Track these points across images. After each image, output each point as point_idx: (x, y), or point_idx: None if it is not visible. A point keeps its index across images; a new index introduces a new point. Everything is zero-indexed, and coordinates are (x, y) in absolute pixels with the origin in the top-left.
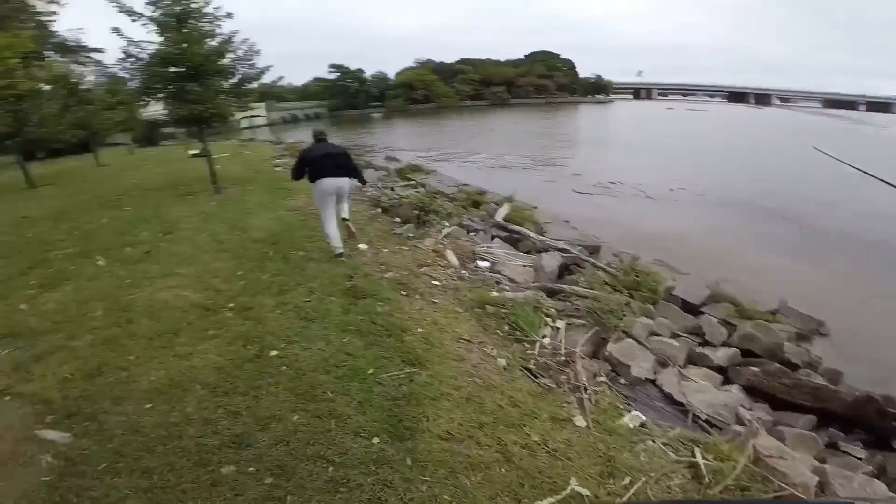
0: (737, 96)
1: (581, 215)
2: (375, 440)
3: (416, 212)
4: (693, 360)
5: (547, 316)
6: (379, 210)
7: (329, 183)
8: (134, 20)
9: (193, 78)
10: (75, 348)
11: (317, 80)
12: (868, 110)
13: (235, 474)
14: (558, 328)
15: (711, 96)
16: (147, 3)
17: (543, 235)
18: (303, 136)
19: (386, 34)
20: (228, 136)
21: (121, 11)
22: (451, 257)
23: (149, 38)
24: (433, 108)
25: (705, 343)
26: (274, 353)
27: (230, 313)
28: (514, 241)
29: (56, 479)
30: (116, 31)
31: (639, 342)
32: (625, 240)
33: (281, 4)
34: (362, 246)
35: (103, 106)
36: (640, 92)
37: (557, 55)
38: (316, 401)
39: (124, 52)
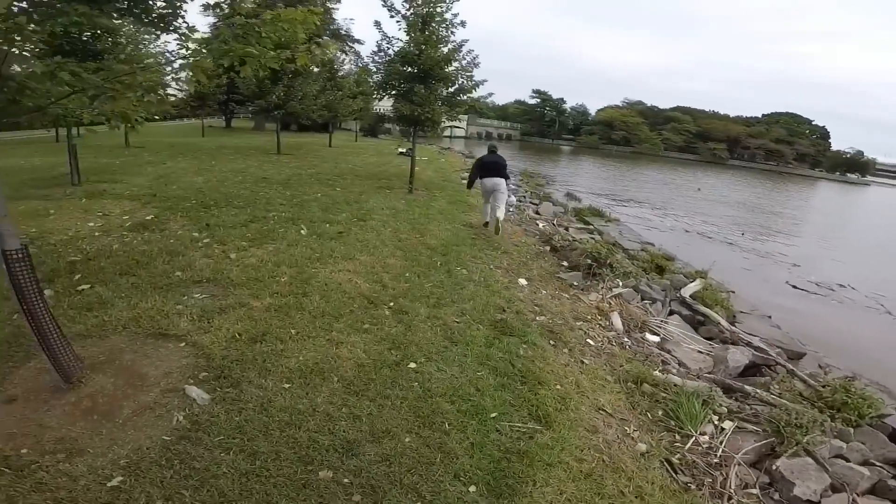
0: None
1: (789, 314)
2: (472, 488)
3: (589, 260)
4: (879, 491)
5: (715, 413)
6: (548, 248)
7: (489, 181)
8: (392, 16)
9: (422, 80)
10: (253, 308)
11: (517, 102)
12: None
13: (329, 482)
14: (723, 428)
15: None
16: (403, 1)
17: (735, 325)
18: None
19: (597, 68)
20: (431, 141)
21: (384, 6)
22: (616, 320)
23: (398, 35)
24: (629, 153)
25: None
26: (412, 365)
27: (388, 311)
28: (697, 322)
29: (174, 440)
30: (377, 24)
31: (818, 462)
32: (841, 353)
33: (494, 19)
34: (522, 281)
35: (349, 93)
36: None
37: (808, 120)
38: (432, 428)
39: (377, 46)
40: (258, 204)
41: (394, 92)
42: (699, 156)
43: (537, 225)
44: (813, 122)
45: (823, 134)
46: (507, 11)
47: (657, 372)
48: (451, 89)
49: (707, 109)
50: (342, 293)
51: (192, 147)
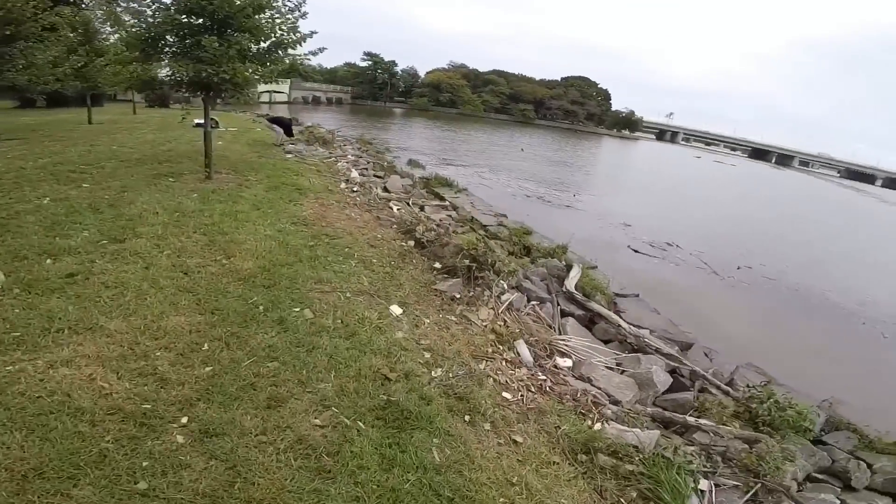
0: (759, 153)
1: (650, 289)
2: None
3: (467, 262)
4: None
5: (687, 472)
6: (412, 243)
7: None
8: None
9: (213, 32)
10: None
11: (347, 65)
12: (883, 186)
13: None
14: (703, 491)
15: (733, 149)
16: None
17: (622, 317)
18: (321, 121)
19: (426, 31)
20: (244, 108)
21: None
22: (523, 349)
23: None
24: (455, 114)
25: (848, 488)
26: None
27: (181, 438)
28: (589, 321)
29: None
30: None
31: None
32: (715, 335)
33: None
34: (395, 310)
35: (117, 60)
36: (664, 134)
37: (595, 83)
38: None
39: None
40: None
41: (169, 50)
42: (512, 116)
43: (391, 208)
44: (599, 85)
45: (607, 96)
46: None
47: (598, 424)
48: (264, 44)
49: (517, 73)
50: (74, 415)
51: None
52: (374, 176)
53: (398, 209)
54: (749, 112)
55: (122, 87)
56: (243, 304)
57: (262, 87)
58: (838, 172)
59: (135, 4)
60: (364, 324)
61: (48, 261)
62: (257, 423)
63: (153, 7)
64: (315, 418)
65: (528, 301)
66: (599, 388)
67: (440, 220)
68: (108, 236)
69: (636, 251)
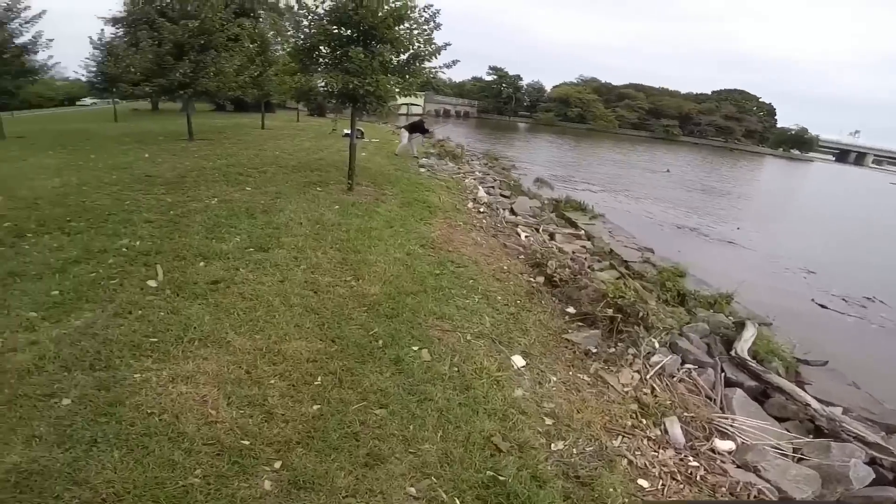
0: None
1: (845, 357)
2: None
3: (610, 311)
4: None
5: None
6: (541, 279)
7: None
8: None
9: (359, 44)
10: None
11: (474, 79)
12: None
13: None
14: None
15: None
16: None
17: (805, 389)
18: (451, 133)
19: (551, 45)
20: (386, 119)
21: None
22: (674, 427)
23: None
24: (585, 130)
25: None
26: None
27: (269, 484)
28: (761, 393)
29: None
30: None
31: None
32: None
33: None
34: (518, 361)
35: (284, 70)
36: (847, 155)
37: (755, 97)
38: None
39: (301, 5)
40: (109, 224)
41: (322, 61)
42: (652, 132)
43: (518, 235)
44: (760, 100)
45: (770, 111)
46: None
47: None
48: (403, 56)
49: (659, 87)
50: (173, 442)
51: (86, 135)
52: (501, 195)
53: (526, 236)
54: None
55: (287, 96)
56: (364, 335)
57: (400, 100)
58: None
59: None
60: (481, 375)
61: (201, 263)
62: (350, 481)
63: (308, 18)
64: (411, 486)
65: (683, 364)
66: (768, 482)
67: (573, 253)
68: (256, 244)
69: (823, 306)
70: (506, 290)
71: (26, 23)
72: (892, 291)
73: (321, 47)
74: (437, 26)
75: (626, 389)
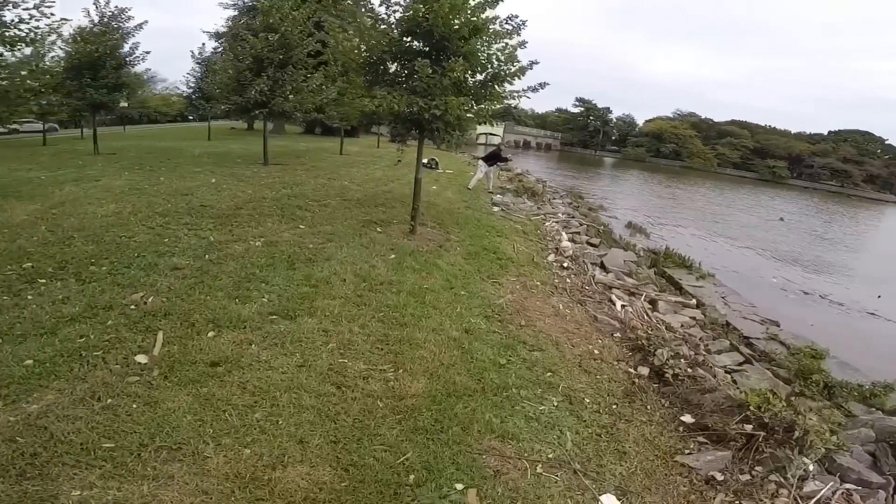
0: None
1: None
2: None
3: (749, 427)
4: None
5: None
6: (644, 371)
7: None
8: None
9: (431, 57)
10: None
11: (559, 110)
12: None
13: None
14: None
15: None
16: None
17: None
18: (530, 166)
19: (644, 78)
20: (463, 149)
21: None
22: None
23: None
24: (679, 168)
25: None
26: None
27: None
28: None
29: None
30: None
31: None
32: None
33: (532, 27)
34: (609, 502)
35: (344, 90)
36: None
37: (880, 138)
38: None
39: (369, 15)
40: (132, 269)
41: (388, 78)
42: (756, 173)
43: (612, 302)
44: (886, 142)
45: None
46: (547, 20)
47: None
48: (479, 76)
49: (765, 125)
50: None
51: (169, 154)
52: (588, 244)
53: (623, 305)
54: None
55: (352, 119)
56: (391, 462)
57: (479, 129)
58: None
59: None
60: None
61: (210, 333)
62: None
63: (377, 26)
64: None
65: (842, 483)
66: None
67: (683, 328)
68: (283, 308)
69: None
70: (597, 388)
71: (127, 33)
72: None
73: (388, 62)
74: (523, 43)
75: None
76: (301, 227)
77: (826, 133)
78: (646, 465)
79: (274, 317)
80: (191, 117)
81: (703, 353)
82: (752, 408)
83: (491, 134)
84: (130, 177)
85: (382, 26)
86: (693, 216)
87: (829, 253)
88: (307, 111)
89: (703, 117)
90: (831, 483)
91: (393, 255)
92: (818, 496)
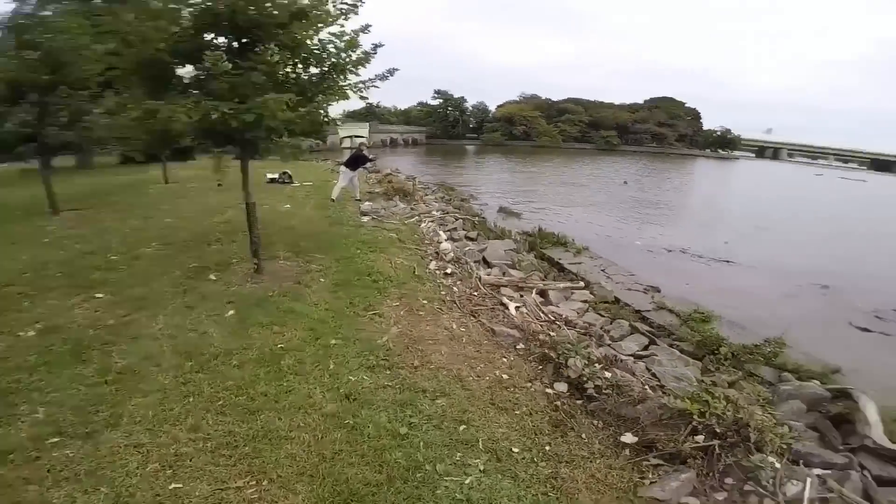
0: (882, 165)
1: None
2: None
3: (704, 440)
4: None
5: None
6: (562, 388)
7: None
8: None
9: (235, 52)
10: None
11: (420, 104)
12: None
13: None
14: None
15: (844, 160)
16: None
17: None
18: (399, 164)
19: (491, 67)
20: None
21: None
22: None
23: None
24: (532, 147)
25: None
26: None
27: None
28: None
29: None
30: None
31: None
32: None
33: (386, 22)
34: None
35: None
36: (764, 151)
37: (682, 103)
38: None
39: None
40: None
41: (180, 81)
42: (594, 144)
43: (506, 308)
44: (686, 105)
45: (696, 115)
46: (400, 14)
47: None
48: (313, 69)
49: (595, 100)
50: None
51: None
52: (467, 238)
53: (516, 307)
54: (851, 120)
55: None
56: None
57: (342, 132)
58: None
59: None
60: None
61: None
62: None
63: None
64: None
65: (811, 469)
66: None
67: (581, 317)
68: (70, 423)
69: (867, 330)
70: (521, 429)
71: None
72: None
73: (176, 64)
74: (366, 28)
75: None
76: (99, 296)
77: (642, 101)
78: None
79: (56, 438)
80: None
81: (608, 342)
82: (695, 416)
83: (355, 136)
84: None
85: (158, 21)
86: (551, 191)
87: (674, 208)
88: (97, 140)
89: (543, 98)
90: (809, 479)
91: (232, 311)
92: (806, 495)
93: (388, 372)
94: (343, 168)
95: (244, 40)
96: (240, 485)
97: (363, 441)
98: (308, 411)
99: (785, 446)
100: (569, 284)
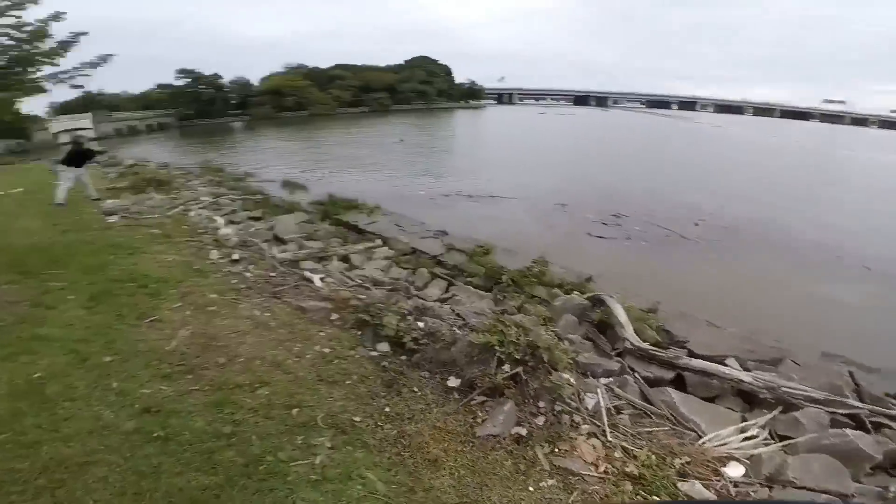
0: (581, 100)
1: (673, 294)
2: None
3: (510, 369)
4: None
5: None
6: (384, 347)
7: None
8: None
9: None
10: None
11: (160, 86)
12: (679, 108)
13: None
14: None
15: (556, 99)
16: None
17: (721, 364)
18: (145, 153)
19: (247, 41)
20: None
21: None
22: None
23: None
24: (306, 117)
25: None
26: None
27: None
28: (679, 381)
29: None
30: None
31: None
32: (754, 326)
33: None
34: None
35: None
36: (502, 97)
37: (435, 61)
38: None
39: None
40: None
41: None
42: (369, 107)
43: (310, 282)
44: (439, 62)
45: (448, 71)
46: None
47: None
48: None
49: (362, 64)
50: None
51: None
52: (251, 219)
53: (321, 278)
54: (560, 66)
55: None
56: None
57: (56, 127)
58: (644, 104)
59: None
60: None
61: None
62: None
63: None
64: None
65: (584, 375)
66: (823, 491)
67: (384, 275)
68: None
69: (600, 237)
70: (357, 397)
71: None
72: (629, 207)
73: None
74: (57, 16)
75: (601, 471)
76: None
77: (403, 62)
78: (462, 461)
79: None
80: None
81: (415, 293)
82: (497, 348)
83: (76, 129)
84: None
85: None
86: (332, 157)
87: (443, 157)
88: None
89: (311, 67)
90: (599, 390)
91: None
92: (602, 406)
93: (190, 376)
94: (61, 167)
95: None
96: None
97: (183, 449)
98: (102, 433)
99: (572, 361)
100: (368, 245)
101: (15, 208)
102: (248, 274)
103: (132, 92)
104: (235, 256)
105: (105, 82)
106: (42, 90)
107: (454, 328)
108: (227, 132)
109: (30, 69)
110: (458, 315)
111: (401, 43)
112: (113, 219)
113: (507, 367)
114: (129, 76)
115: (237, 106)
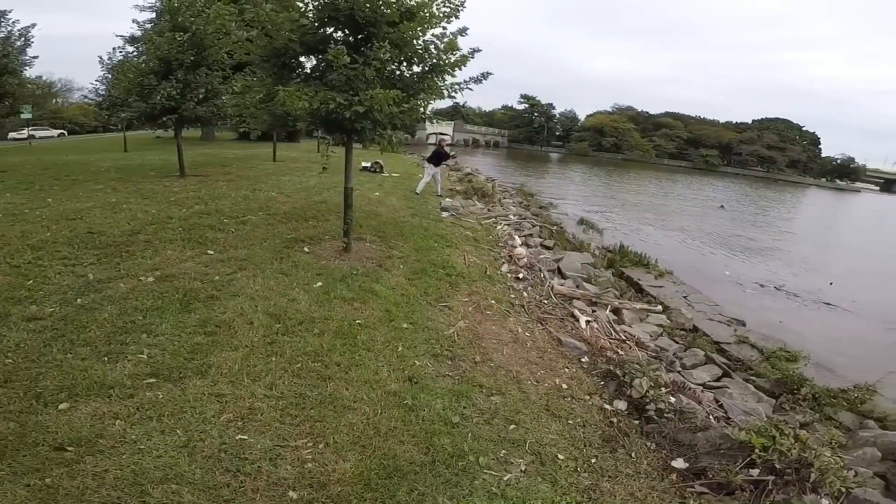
0: None
1: None
2: None
3: (759, 474)
4: None
5: None
6: (621, 406)
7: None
8: None
9: (352, 47)
10: None
11: (504, 107)
12: None
13: None
14: None
15: None
16: None
17: None
18: (480, 165)
19: (585, 75)
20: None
21: None
22: None
23: None
24: (620, 160)
25: None
26: None
27: None
28: None
29: None
30: None
31: None
32: None
33: (479, 24)
34: None
35: (247, 86)
36: (893, 184)
37: (798, 126)
38: None
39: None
40: None
41: (301, 72)
42: (691, 162)
43: (576, 320)
44: (804, 129)
45: (814, 140)
46: (494, 17)
47: None
48: (416, 68)
49: (696, 115)
50: None
51: (70, 170)
52: (543, 246)
53: (587, 321)
54: None
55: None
56: None
57: (429, 129)
58: None
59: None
60: None
61: (62, 405)
62: None
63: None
64: None
65: None
66: None
67: (654, 341)
68: (167, 367)
69: None
70: (570, 438)
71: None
72: None
73: (299, 54)
74: (464, 30)
75: None
76: (209, 252)
77: (750, 122)
78: None
79: (152, 380)
80: (113, 127)
81: (679, 369)
82: (757, 450)
83: (440, 133)
84: (11, 199)
85: (290, 13)
86: (640, 209)
87: (769, 239)
88: (224, 116)
89: (639, 110)
90: None
91: (319, 283)
92: None
93: (451, 362)
94: (427, 164)
95: (360, 36)
96: (298, 444)
97: (417, 423)
98: (373, 386)
99: (844, 490)
100: (645, 306)
101: (391, 188)
102: (525, 294)
103: (484, 109)
104: (521, 275)
105: (467, 96)
106: (443, 96)
107: (710, 416)
108: (544, 160)
109: (440, 77)
110: (720, 405)
111: (755, 99)
112: (445, 214)
113: (756, 471)
114: (483, 94)
115: (560, 137)
